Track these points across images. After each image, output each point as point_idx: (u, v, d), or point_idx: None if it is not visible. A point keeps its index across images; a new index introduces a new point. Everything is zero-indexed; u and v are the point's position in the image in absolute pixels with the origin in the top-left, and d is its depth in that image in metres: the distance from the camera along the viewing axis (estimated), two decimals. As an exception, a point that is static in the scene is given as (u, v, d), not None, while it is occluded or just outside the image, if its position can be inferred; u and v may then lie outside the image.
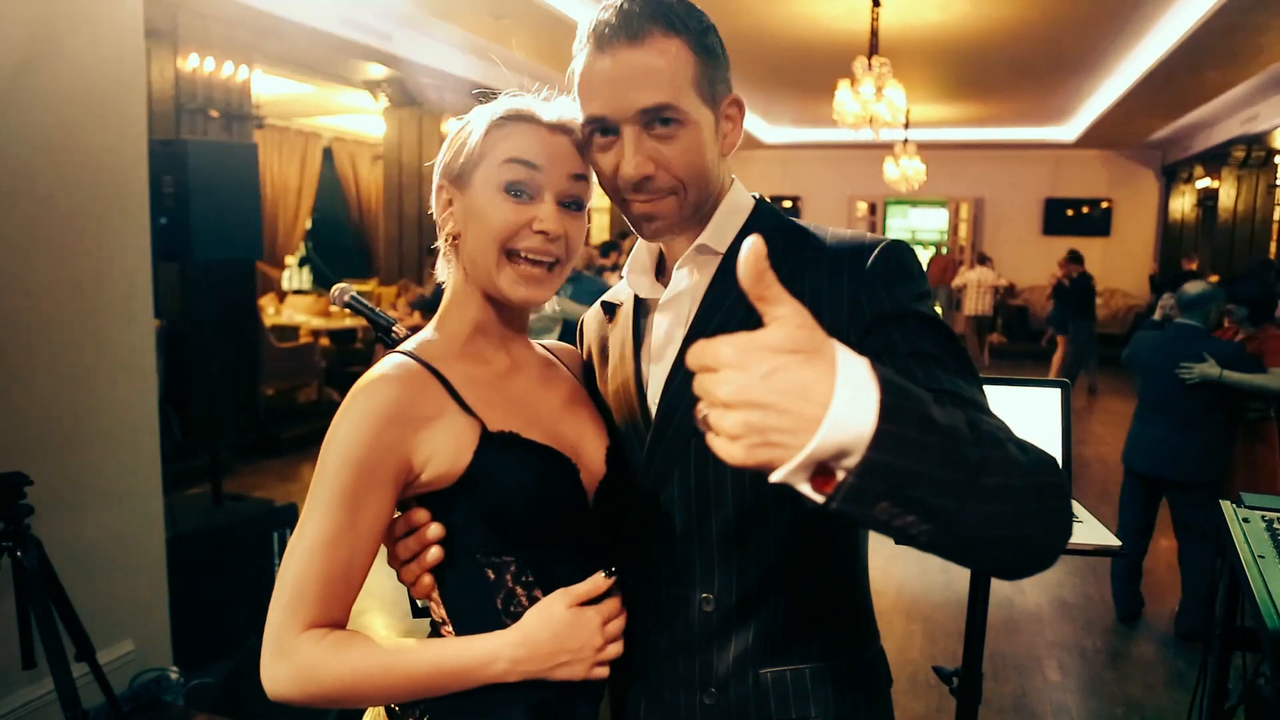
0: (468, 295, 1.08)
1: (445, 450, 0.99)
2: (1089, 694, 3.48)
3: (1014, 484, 0.69)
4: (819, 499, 0.63)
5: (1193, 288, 3.96)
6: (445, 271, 1.11)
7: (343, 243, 12.01)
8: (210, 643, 3.33)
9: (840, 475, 0.62)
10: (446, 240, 1.08)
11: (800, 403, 0.60)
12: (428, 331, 1.09)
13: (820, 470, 0.62)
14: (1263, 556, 2.06)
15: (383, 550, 1.03)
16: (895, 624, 4.02)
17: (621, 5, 0.99)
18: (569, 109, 1.05)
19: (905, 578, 4.52)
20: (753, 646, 1.02)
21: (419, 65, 7.88)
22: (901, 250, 1.00)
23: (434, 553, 1.01)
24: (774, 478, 0.62)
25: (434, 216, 1.09)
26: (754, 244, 0.62)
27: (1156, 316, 5.04)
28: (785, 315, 0.62)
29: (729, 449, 0.63)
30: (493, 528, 1.00)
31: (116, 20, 2.91)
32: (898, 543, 0.70)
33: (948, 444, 0.65)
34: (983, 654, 1.81)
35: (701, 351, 0.63)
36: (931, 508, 0.64)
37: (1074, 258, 9.84)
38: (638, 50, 0.97)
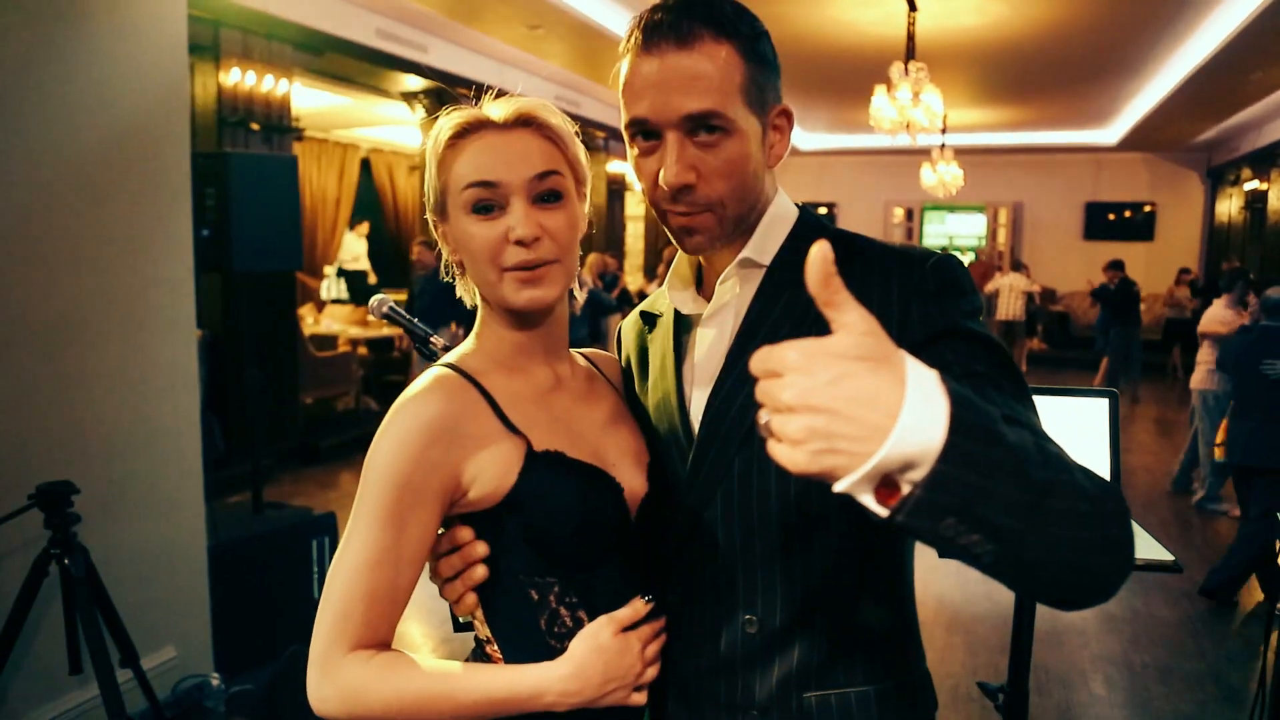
0: (491, 313, 1.06)
1: (491, 470, 0.97)
2: (1138, 710, 3.39)
3: (1080, 509, 0.67)
4: (883, 512, 0.61)
5: (1276, 292, 4.20)
6: (464, 292, 1.11)
7: (380, 252, 12.14)
8: (250, 650, 3.37)
9: (906, 488, 0.60)
10: (456, 267, 1.08)
11: (867, 410, 0.58)
12: (468, 343, 1.08)
13: (885, 482, 0.61)
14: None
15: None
16: (936, 636, 3.96)
17: (672, 5, 0.96)
18: (526, 101, 1.01)
19: (945, 589, 4.45)
20: (796, 669, 1.00)
21: (455, 76, 7.95)
22: (954, 265, 0.97)
23: (479, 571, 1.00)
24: (838, 487, 0.61)
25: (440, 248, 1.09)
26: (822, 249, 0.61)
27: (1246, 321, 5.34)
28: (852, 322, 0.61)
29: (791, 455, 0.61)
30: (537, 549, 0.99)
31: (161, 37, 2.97)
32: (961, 560, 0.68)
33: (1017, 462, 0.63)
34: (1029, 670, 1.77)
35: (766, 357, 0.61)
36: (998, 527, 0.62)
37: (1115, 265, 9.73)
38: (686, 54, 0.94)
